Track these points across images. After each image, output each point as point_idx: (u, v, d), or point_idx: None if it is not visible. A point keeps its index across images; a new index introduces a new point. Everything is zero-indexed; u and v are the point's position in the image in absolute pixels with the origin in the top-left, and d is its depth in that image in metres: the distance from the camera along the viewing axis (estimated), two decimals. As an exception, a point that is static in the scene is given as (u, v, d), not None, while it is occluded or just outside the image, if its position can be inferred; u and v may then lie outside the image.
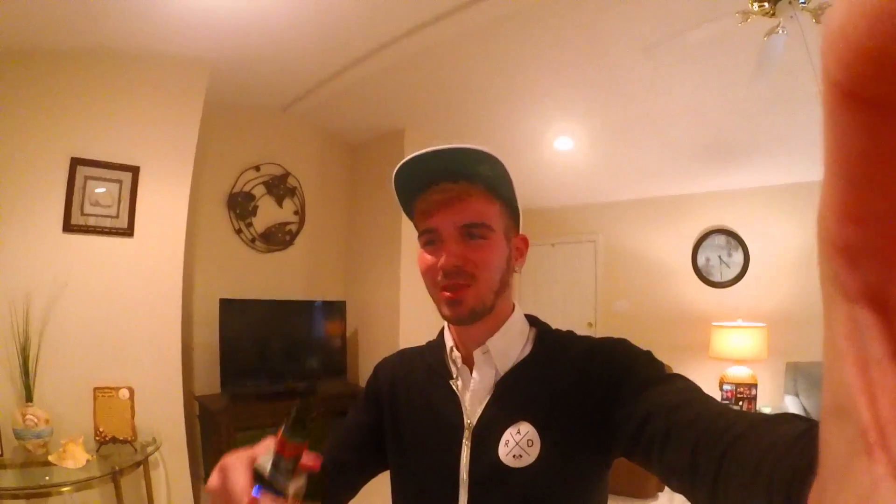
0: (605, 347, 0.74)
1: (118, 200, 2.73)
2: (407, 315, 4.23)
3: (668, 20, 2.68)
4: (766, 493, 0.38)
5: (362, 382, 4.23)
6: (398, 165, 0.74)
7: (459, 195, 0.73)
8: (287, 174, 4.05)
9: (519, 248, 0.82)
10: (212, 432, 3.13)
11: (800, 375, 3.83)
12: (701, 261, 4.74)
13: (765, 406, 3.99)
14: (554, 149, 4.38)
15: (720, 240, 4.64)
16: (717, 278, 4.64)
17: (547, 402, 0.72)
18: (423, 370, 0.87)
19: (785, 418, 0.45)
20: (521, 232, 0.83)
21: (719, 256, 4.64)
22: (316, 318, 4.06)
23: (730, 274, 4.57)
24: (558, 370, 0.74)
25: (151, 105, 2.86)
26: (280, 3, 2.47)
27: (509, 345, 0.79)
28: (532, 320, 0.85)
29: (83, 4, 2.35)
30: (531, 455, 0.70)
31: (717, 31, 2.51)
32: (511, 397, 0.75)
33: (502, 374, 0.77)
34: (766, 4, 2.35)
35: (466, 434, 0.76)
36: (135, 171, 2.78)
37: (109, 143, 2.72)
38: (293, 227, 4.12)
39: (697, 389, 0.61)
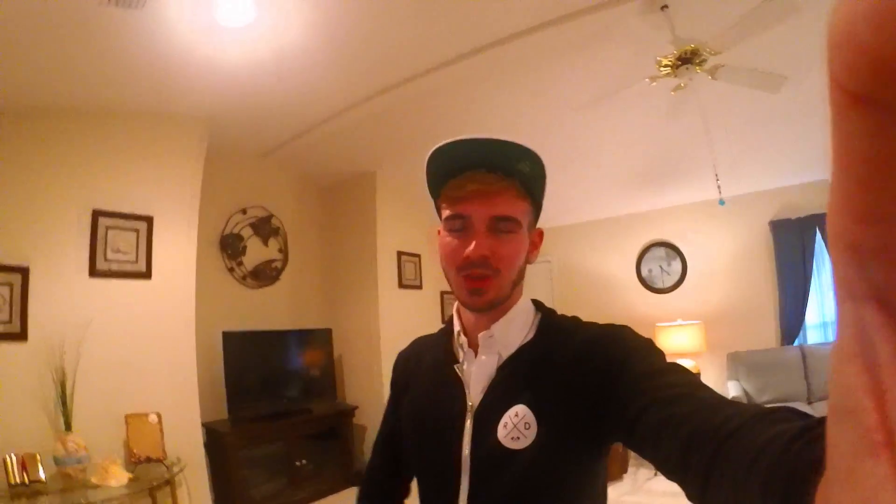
0: (607, 334, 0.75)
1: (136, 247, 3.06)
2: (387, 339, 4.62)
3: (597, 85, 3.33)
4: (760, 491, 0.37)
5: (349, 401, 4.57)
6: (437, 146, 0.74)
7: (496, 188, 0.74)
8: (270, 215, 4.43)
9: (535, 241, 0.83)
10: (220, 452, 3.40)
11: (739, 363, 4.50)
12: (644, 271, 5.40)
13: (709, 392, 4.61)
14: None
15: (660, 252, 5.32)
16: (659, 285, 5.30)
17: (546, 386, 0.73)
18: (432, 356, 0.90)
19: (783, 414, 0.44)
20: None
21: (660, 266, 5.30)
22: (307, 345, 4.41)
23: (670, 281, 5.23)
24: (559, 355, 0.75)
25: (160, 159, 3.23)
26: (268, 61, 2.85)
27: (513, 330, 0.80)
28: (538, 305, 0.86)
29: (97, 67, 2.70)
30: (528, 438, 0.71)
31: (635, 90, 3.16)
32: (512, 380, 0.76)
33: (505, 358, 0.79)
34: (669, 69, 3.03)
35: (469, 417, 0.78)
36: (149, 220, 3.12)
37: (126, 196, 3.06)
38: (279, 264, 4.48)
39: (696, 381, 0.61)
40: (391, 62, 3.06)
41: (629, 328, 0.75)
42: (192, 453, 3.08)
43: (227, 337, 3.76)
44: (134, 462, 2.74)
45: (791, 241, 4.70)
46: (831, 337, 4.60)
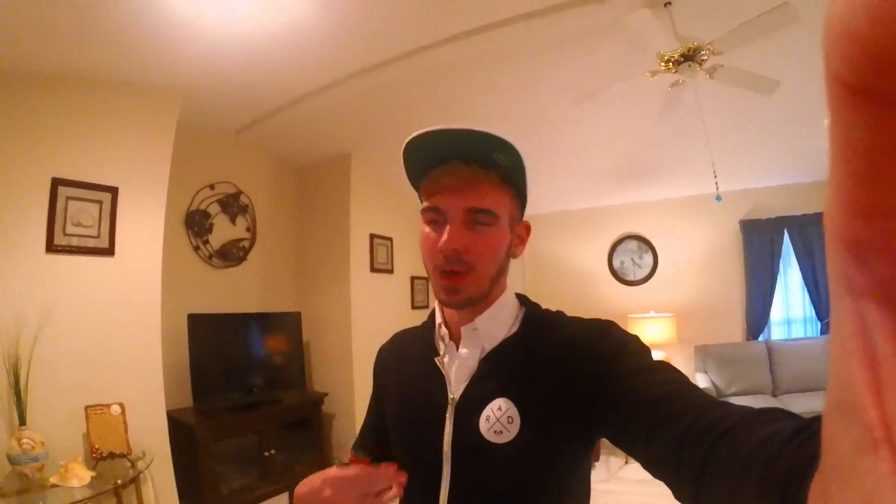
0: (593, 331, 0.73)
1: (99, 221, 2.76)
2: (358, 324, 4.48)
3: (592, 77, 3.26)
4: (757, 490, 0.36)
5: (318, 388, 4.40)
6: (410, 137, 0.70)
7: (470, 180, 0.71)
8: (239, 192, 4.15)
9: (521, 235, 0.82)
10: (188, 445, 3.17)
11: (707, 356, 4.60)
12: (616, 264, 5.43)
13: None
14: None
15: (632, 245, 5.36)
16: (630, 278, 5.35)
17: (531, 381, 0.72)
18: (413, 349, 0.88)
19: (775, 415, 0.44)
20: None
21: (632, 259, 5.35)
22: (275, 329, 4.18)
23: (641, 274, 5.28)
24: (545, 350, 0.73)
25: (129, 129, 2.93)
26: (246, 32, 2.63)
27: (497, 323, 0.79)
28: (522, 299, 0.85)
29: (64, 32, 2.42)
30: (511, 432, 0.70)
31: (625, 86, 3.11)
32: (494, 374, 0.75)
33: (488, 351, 0.77)
34: (672, 65, 3.01)
35: (450, 409, 0.76)
36: (114, 191, 2.83)
37: (89, 164, 2.75)
38: (246, 244, 4.22)
39: (685, 380, 0.60)
40: (371, 43, 2.88)
41: (615, 324, 0.74)
42: (157, 446, 2.85)
43: (193, 320, 3.50)
44: (96, 458, 2.50)
45: (760, 241, 4.83)
46: (795, 333, 4.78)
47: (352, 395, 4.44)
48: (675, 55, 2.97)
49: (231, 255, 4.06)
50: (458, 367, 0.79)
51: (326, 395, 4.32)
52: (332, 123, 3.98)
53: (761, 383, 4.30)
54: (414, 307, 5.54)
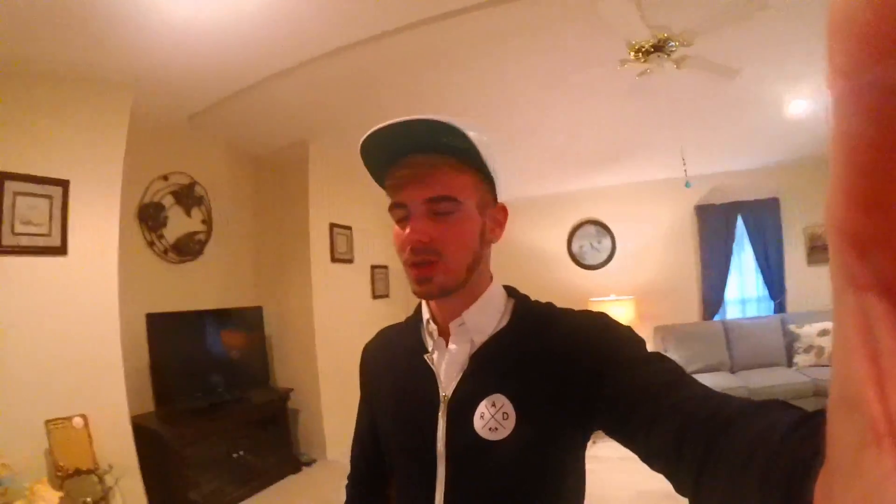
0: (587, 323, 0.72)
1: (49, 217, 2.53)
2: (320, 316, 4.36)
3: (558, 63, 3.24)
4: (758, 484, 0.36)
5: (282, 384, 4.26)
6: (362, 139, 0.69)
7: (427, 169, 0.70)
8: (194, 182, 3.91)
9: (497, 219, 0.78)
10: (154, 453, 2.99)
11: (666, 336, 4.79)
12: (575, 248, 5.53)
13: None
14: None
15: (591, 229, 5.47)
16: (589, 262, 5.47)
17: (523, 375, 0.70)
18: (400, 346, 0.86)
19: (774, 405, 0.44)
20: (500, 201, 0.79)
21: (590, 243, 5.47)
22: (237, 325, 4.00)
23: (600, 258, 5.41)
24: (536, 344, 0.72)
25: (79, 120, 2.70)
26: (200, 17, 2.47)
27: (486, 317, 0.76)
28: (510, 291, 0.82)
29: (6, 22, 2.19)
30: (507, 428, 0.68)
31: (591, 74, 3.15)
32: (487, 370, 0.73)
33: (478, 346, 0.75)
34: (642, 55, 3.05)
35: (442, 408, 0.74)
36: (65, 185, 2.59)
37: (38, 157, 2.52)
38: (202, 236, 3.99)
39: (680, 370, 0.60)
40: (331, 28, 2.73)
41: (608, 316, 0.73)
42: (124, 458, 2.67)
43: (152, 320, 3.28)
44: (62, 477, 2.31)
45: (715, 225, 5.05)
46: (750, 312, 5.04)
47: (317, 388, 4.34)
48: (647, 45, 3.01)
49: (187, 248, 3.83)
50: (448, 363, 0.76)
51: (292, 390, 4.19)
52: (289, 110, 3.81)
53: (719, 361, 4.51)
54: (375, 296, 5.45)
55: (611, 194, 5.44)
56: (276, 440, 3.93)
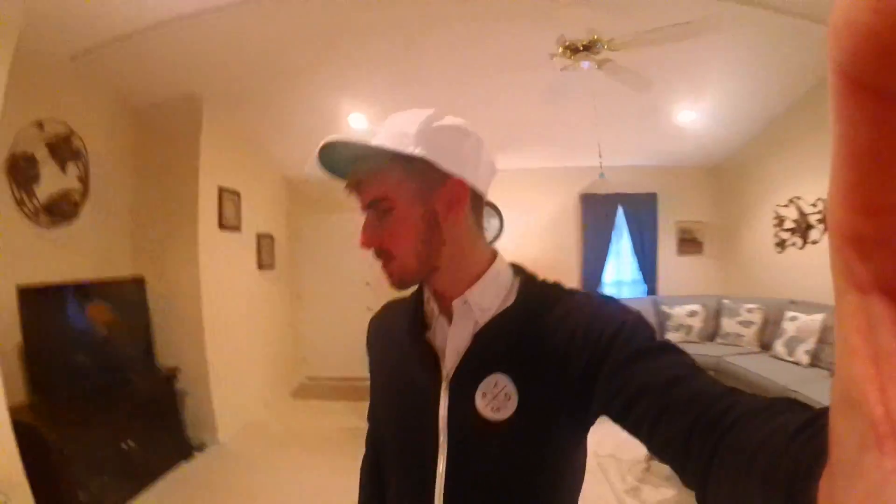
0: (595, 308, 0.71)
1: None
2: (207, 288, 4.11)
3: (479, 46, 3.42)
4: (761, 484, 0.37)
5: (167, 362, 3.91)
6: (307, 168, 0.74)
7: (360, 176, 0.73)
8: (72, 133, 3.36)
9: (446, 199, 0.73)
10: (30, 451, 2.59)
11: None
12: (464, 227, 5.80)
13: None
14: (350, 126, 4.65)
15: (482, 209, 5.77)
16: (477, 239, 5.77)
17: (527, 355, 0.70)
18: (401, 323, 0.84)
19: (784, 405, 0.44)
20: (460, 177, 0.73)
21: (480, 222, 5.77)
22: (115, 298, 3.54)
23: (487, 237, 5.70)
24: (541, 324, 0.71)
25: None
26: None
27: (489, 295, 0.76)
28: (516, 270, 0.81)
29: None
30: (509, 408, 0.68)
31: (514, 62, 3.36)
32: (490, 349, 0.72)
33: (482, 324, 0.74)
34: (570, 52, 3.26)
35: (444, 386, 0.74)
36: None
37: None
38: (77, 196, 3.46)
39: (691, 362, 0.60)
40: None
41: (616, 300, 0.73)
42: (9, 472, 2.25)
43: (25, 294, 2.81)
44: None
45: (596, 213, 5.60)
46: (625, 294, 5.66)
47: (205, 367, 4.05)
48: (579, 44, 3.20)
49: (60, 210, 3.30)
50: (450, 342, 0.75)
51: (177, 369, 3.87)
52: (185, 61, 3.48)
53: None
54: (260, 267, 5.17)
55: (502, 177, 5.70)
56: (164, 425, 3.61)
